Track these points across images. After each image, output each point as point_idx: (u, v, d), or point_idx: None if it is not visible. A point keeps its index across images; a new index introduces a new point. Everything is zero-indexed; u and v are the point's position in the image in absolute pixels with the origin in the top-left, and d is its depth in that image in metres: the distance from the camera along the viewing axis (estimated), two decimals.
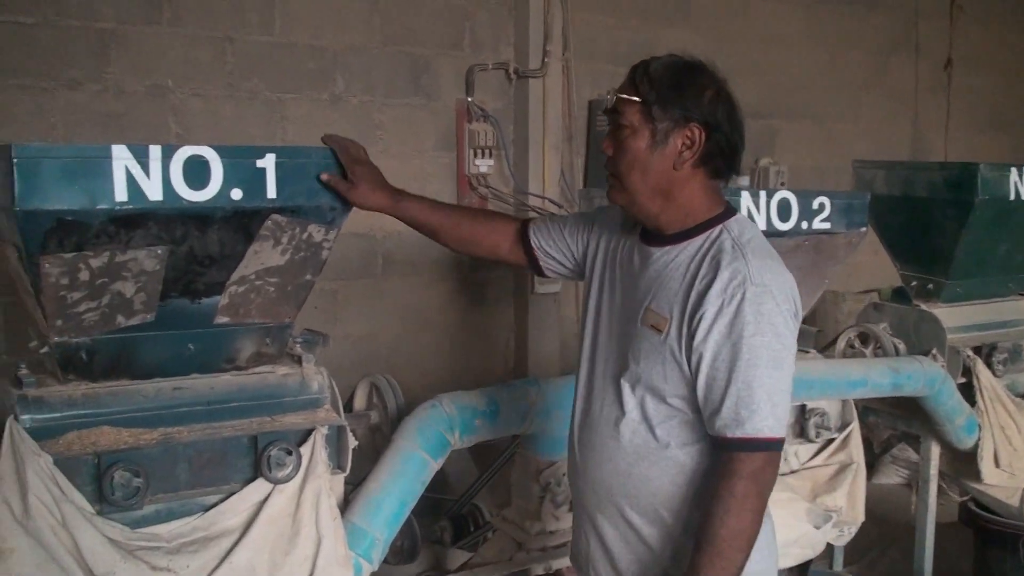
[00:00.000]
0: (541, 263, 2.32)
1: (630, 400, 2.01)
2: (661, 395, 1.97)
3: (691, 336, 1.90)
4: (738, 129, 2.01)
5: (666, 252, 2.01)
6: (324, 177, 2.18)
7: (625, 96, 1.96)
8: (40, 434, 2.05)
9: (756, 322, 1.86)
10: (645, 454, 2.01)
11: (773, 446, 1.89)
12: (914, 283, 3.92)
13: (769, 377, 1.86)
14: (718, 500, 1.87)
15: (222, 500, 2.21)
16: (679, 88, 1.95)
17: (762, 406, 1.86)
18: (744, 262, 1.89)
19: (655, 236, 2.04)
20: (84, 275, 2.02)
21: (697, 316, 1.89)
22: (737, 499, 1.85)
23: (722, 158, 1.99)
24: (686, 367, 1.93)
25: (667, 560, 2.02)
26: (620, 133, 1.98)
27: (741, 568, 1.87)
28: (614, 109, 1.99)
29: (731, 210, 2.04)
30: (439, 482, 3.89)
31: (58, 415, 2.10)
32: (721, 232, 1.97)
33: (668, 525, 2.02)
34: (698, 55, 2.02)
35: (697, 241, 1.98)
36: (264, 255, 2.20)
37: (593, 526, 2.13)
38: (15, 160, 1.86)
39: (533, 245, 2.31)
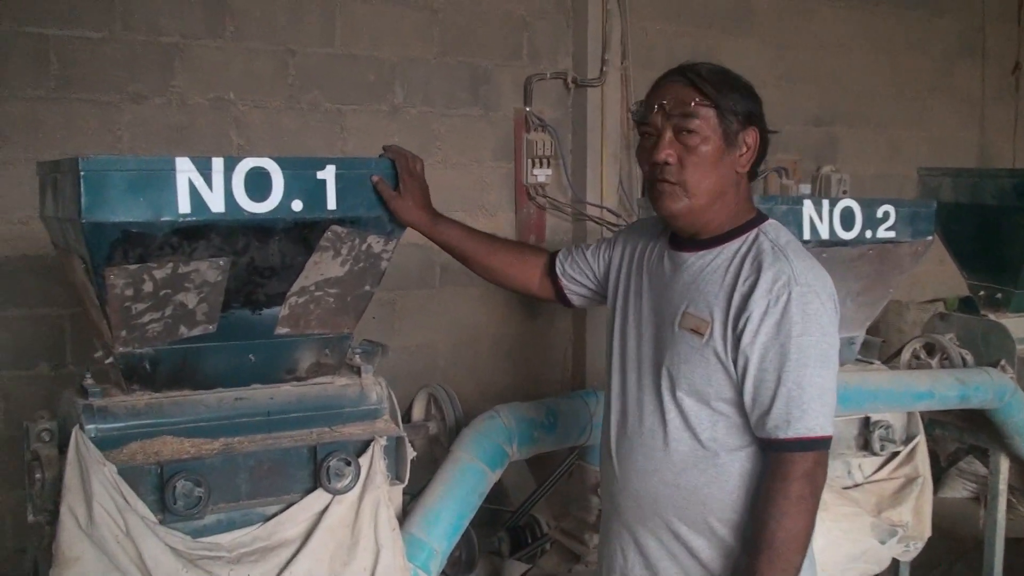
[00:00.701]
0: (566, 291, 2.35)
1: (671, 407, 1.99)
2: (705, 399, 1.96)
3: (737, 339, 1.90)
4: (769, 137, 2.06)
5: (700, 257, 2.02)
6: (375, 179, 2.20)
7: (699, 101, 1.94)
8: (104, 444, 2.08)
9: (803, 322, 1.86)
10: (693, 463, 1.98)
11: (824, 444, 1.89)
12: (982, 292, 3.84)
13: (818, 376, 1.87)
14: (773, 503, 1.86)
15: (282, 510, 2.23)
16: (738, 91, 1.98)
17: (812, 405, 1.86)
18: (787, 263, 1.91)
19: (687, 242, 2.05)
20: (148, 286, 2.05)
21: (743, 318, 1.89)
22: (792, 501, 1.85)
23: (760, 163, 2.06)
24: (732, 369, 1.93)
25: (719, 571, 1.99)
26: (688, 139, 1.95)
27: (799, 570, 1.87)
28: (686, 114, 1.95)
29: (763, 215, 2.07)
30: (497, 493, 3.88)
31: (122, 425, 2.13)
32: (758, 236, 1.99)
33: (718, 535, 1.99)
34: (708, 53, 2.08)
35: (734, 245, 1.99)
36: (324, 266, 2.21)
37: (634, 541, 2.10)
38: (82, 173, 1.89)
39: (558, 272, 2.34)
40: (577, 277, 2.33)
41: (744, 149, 1.98)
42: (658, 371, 2.02)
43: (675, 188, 1.98)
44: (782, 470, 1.87)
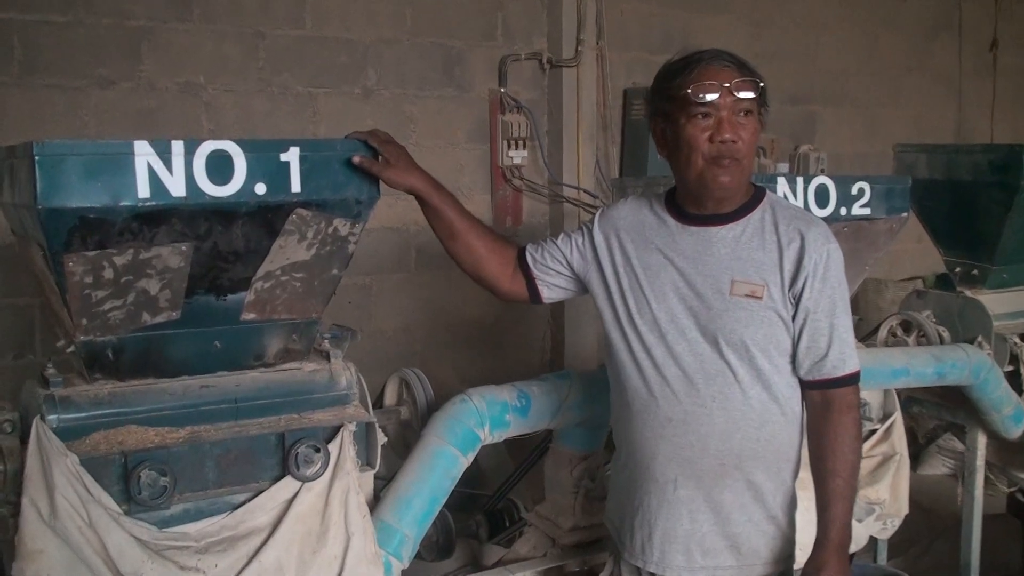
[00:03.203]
0: (538, 282, 2.38)
1: (741, 367, 2.14)
2: (768, 355, 2.14)
3: (797, 296, 2.12)
4: None
5: (730, 229, 2.18)
6: (356, 159, 2.14)
7: (751, 83, 2.10)
8: (67, 434, 2.03)
9: (838, 273, 2.14)
10: (769, 414, 2.17)
11: (859, 375, 2.19)
12: (958, 269, 3.83)
13: (850, 320, 2.17)
14: (846, 431, 2.13)
15: (250, 499, 2.19)
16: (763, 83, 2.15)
17: (851, 344, 2.16)
18: (818, 225, 2.17)
19: (705, 217, 2.19)
20: (108, 273, 2.00)
21: (800, 277, 2.11)
22: (856, 428, 2.15)
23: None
24: (790, 324, 2.14)
25: (777, 509, 2.22)
26: (745, 117, 2.11)
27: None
28: (744, 97, 2.10)
29: (761, 187, 2.26)
30: (474, 477, 3.87)
31: (84, 414, 2.09)
32: (774, 204, 2.21)
33: (782, 476, 2.22)
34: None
35: (756, 215, 2.18)
36: (289, 250, 2.17)
37: (708, 501, 2.20)
38: (36, 158, 1.84)
39: (530, 264, 2.36)
40: (552, 266, 2.35)
41: (761, 126, 2.18)
42: (714, 337, 2.15)
43: (734, 163, 2.12)
44: (843, 403, 2.14)
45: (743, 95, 2.10)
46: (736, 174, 2.13)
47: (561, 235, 2.39)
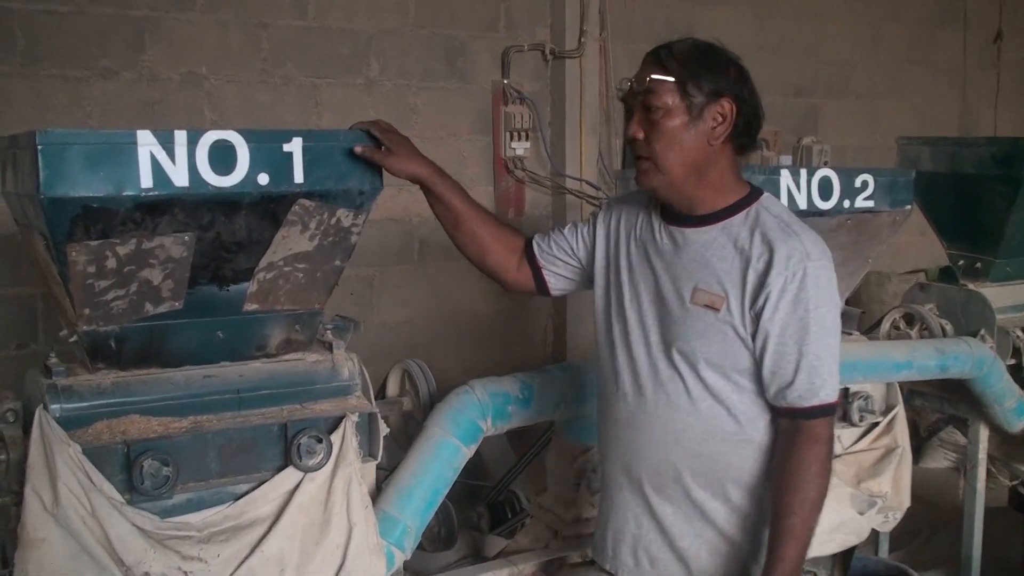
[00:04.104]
0: (546, 274, 2.31)
1: (692, 379, 2.05)
2: (723, 371, 2.03)
3: (757, 315, 1.97)
4: (758, 104, 2.06)
5: (703, 232, 2.05)
6: (358, 149, 2.13)
7: (659, 76, 1.98)
8: (69, 423, 2.04)
9: (818, 295, 1.95)
10: (715, 432, 2.05)
11: (836, 409, 2.03)
12: (961, 262, 3.82)
13: (831, 345, 1.99)
14: (808, 465, 1.96)
15: (252, 489, 2.19)
16: (707, 65, 1.99)
17: (828, 373, 1.98)
18: (798, 239, 1.97)
19: (685, 218, 2.07)
20: (111, 263, 2.00)
21: (762, 295, 1.96)
22: (822, 462, 1.97)
23: (747, 133, 2.05)
24: (749, 343, 2.00)
25: (731, 533, 2.09)
26: (653, 115, 1.99)
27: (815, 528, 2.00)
28: (646, 91, 2.00)
29: (758, 189, 2.10)
30: (477, 468, 3.88)
31: (87, 404, 2.09)
32: (759, 211, 2.03)
33: (732, 500, 2.08)
34: (691, 31, 2.09)
35: (736, 220, 2.03)
36: (292, 241, 2.17)
37: (650, 509, 2.15)
38: (39, 147, 1.84)
39: (536, 255, 2.31)
40: (559, 256, 2.30)
41: (716, 122, 1.99)
42: (671, 346, 2.06)
43: (648, 164, 2.03)
44: (810, 435, 1.97)
45: (644, 88, 1.99)
46: (654, 176, 2.03)
47: (569, 225, 2.34)
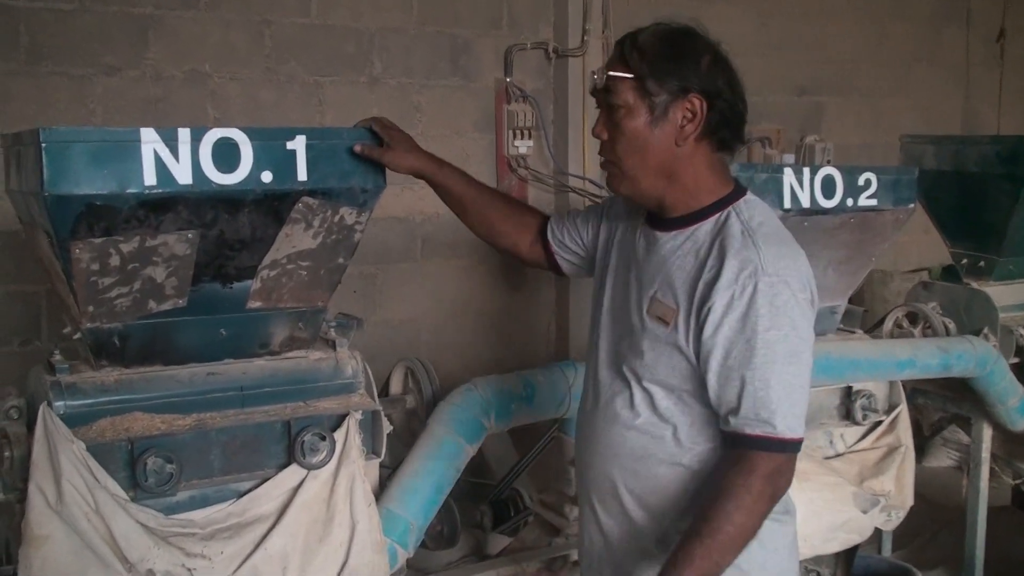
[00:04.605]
0: (557, 258, 2.24)
1: (639, 394, 1.91)
2: (670, 389, 1.88)
3: (699, 329, 1.79)
4: (740, 95, 1.88)
5: (672, 238, 1.89)
6: (358, 148, 2.13)
7: (616, 73, 1.83)
8: (73, 420, 2.04)
9: (771, 315, 1.74)
10: (654, 451, 1.91)
11: (792, 448, 1.78)
12: (964, 261, 3.82)
13: (787, 373, 1.75)
14: (732, 495, 1.74)
15: (256, 486, 2.20)
16: (673, 57, 1.82)
17: (781, 405, 1.75)
18: (755, 250, 1.77)
19: (661, 221, 1.92)
20: (115, 260, 2.01)
21: (705, 308, 1.77)
22: (753, 497, 1.74)
23: (727, 128, 1.87)
24: (694, 360, 1.82)
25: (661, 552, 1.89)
26: (615, 114, 1.85)
27: (727, 565, 1.76)
28: (605, 89, 1.85)
29: (740, 190, 1.91)
30: (480, 466, 3.88)
31: (91, 401, 2.10)
32: (729, 216, 1.85)
33: (669, 524, 1.92)
34: (688, 21, 1.92)
35: (706, 226, 1.86)
36: (295, 238, 2.17)
37: (594, 515, 2.06)
38: (43, 144, 1.85)
39: (549, 239, 2.23)
40: (569, 244, 2.21)
41: (684, 120, 1.82)
42: (625, 357, 1.93)
43: (613, 167, 1.90)
44: (748, 465, 1.75)
45: (603, 86, 1.85)
46: (619, 181, 1.90)
47: (586, 210, 2.24)
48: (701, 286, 1.79)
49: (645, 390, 1.90)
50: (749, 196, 1.90)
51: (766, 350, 1.74)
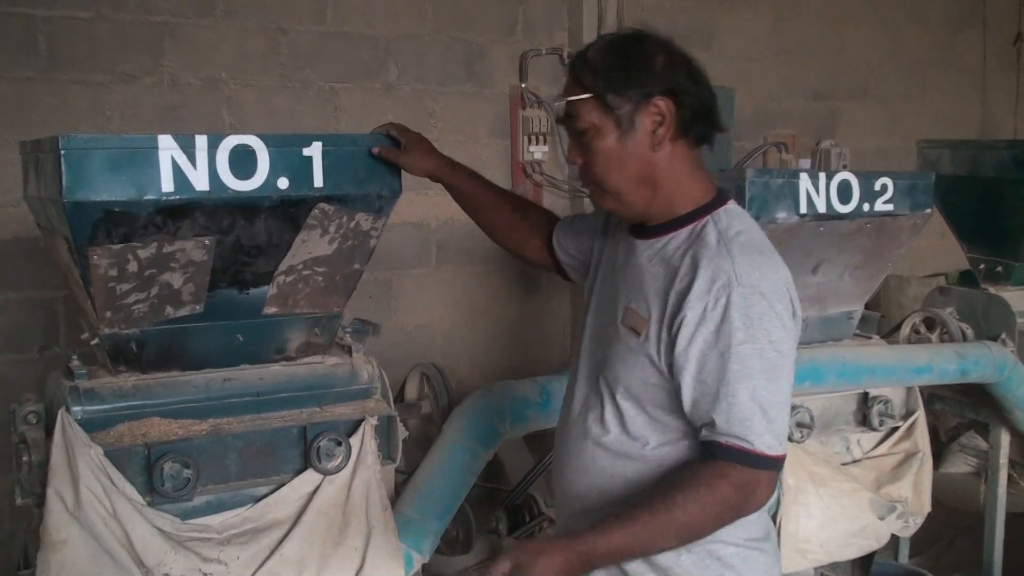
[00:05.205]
0: (564, 265, 2.18)
1: (610, 409, 1.83)
2: (641, 404, 1.79)
3: (672, 341, 1.71)
4: (705, 85, 1.80)
5: (650, 246, 1.83)
6: (376, 150, 2.16)
7: (574, 97, 1.77)
8: (91, 425, 2.06)
9: (746, 328, 1.66)
10: (622, 471, 1.82)
11: (769, 464, 1.68)
12: (982, 266, 3.81)
13: (764, 389, 1.67)
14: (695, 488, 1.67)
15: (272, 491, 2.21)
16: (626, 66, 1.75)
17: (757, 422, 1.66)
18: (729, 260, 1.70)
19: (643, 228, 1.86)
20: (132, 266, 2.02)
21: (677, 320, 1.70)
22: (715, 498, 1.66)
23: (701, 121, 1.80)
24: (666, 372, 1.74)
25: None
26: (583, 138, 1.79)
27: (658, 551, 1.72)
28: (568, 115, 1.80)
29: (722, 197, 1.84)
30: (495, 472, 3.87)
31: (109, 406, 2.11)
32: (707, 224, 1.77)
33: (648, 558, 1.80)
34: (638, 24, 1.84)
35: (683, 233, 1.79)
36: (312, 244, 2.18)
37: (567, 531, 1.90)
38: (62, 152, 1.87)
39: (555, 245, 2.17)
40: (572, 251, 2.16)
41: (655, 125, 1.75)
42: (600, 368, 1.86)
43: (596, 188, 1.83)
44: (718, 471, 1.67)
45: (565, 112, 1.79)
46: (606, 200, 1.83)
47: (591, 215, 2.16)
48: (673, 296, 1.72)
49: (617, 405, 1.81)
50: (731, 205, 1.83)
51: (740, 364, 1.66)
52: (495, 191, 2.27)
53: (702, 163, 1.86)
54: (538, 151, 4.77)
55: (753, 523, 1.80)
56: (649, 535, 1.67)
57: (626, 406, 1.80)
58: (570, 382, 2.00)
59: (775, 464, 1.69)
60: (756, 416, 1.66)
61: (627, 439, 1.81)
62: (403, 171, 2.22)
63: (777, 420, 1.69)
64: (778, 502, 2.83)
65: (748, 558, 1.81)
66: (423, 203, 4.40)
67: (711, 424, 1.69)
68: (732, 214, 1.80)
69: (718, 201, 1.82)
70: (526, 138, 4.75)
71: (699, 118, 1.79)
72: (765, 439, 1.66)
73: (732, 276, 1.68)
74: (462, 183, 2.24)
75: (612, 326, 1.85)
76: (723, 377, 1.67)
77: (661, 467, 1.80)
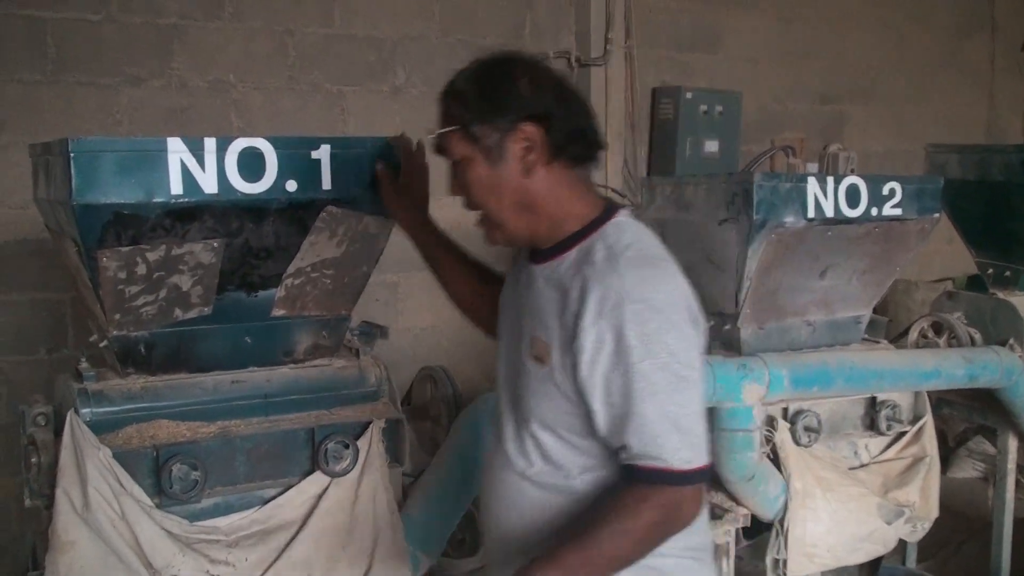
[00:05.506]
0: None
1: (529, 441, 1.75)
2: (559, 434, 1.72)
3: (574, 367, 1.64)
4: (575, 105, 1.74)
5: (543, 270, 1.75)
6: (379, 166, 2.12)
7: (443, 130, 1.73)
8: (100, 427, 2.06)
9: (644, 345, 1.59)
10: (552, 503, 1.74)
11: (690, 479, 1.62)
12: (990, 271, 3.79)
13: (672, 403, 1.61)
14: (619, 516, 1.61)
15: (280, 493, 2.22)
16: (488, 93, 1.70)
17: (669, 438, 1.60)
18: (617, 276, 1.62)
19: (538, 253, 1.79)
20: (141, 269, 2.03)
21: (575, 346, 1.63)
22: (640, 524, 1.61)
23: (576, 143, 1.74)
24: (574, 398, 1.67)
25: None
26: (458, 170, 1.74)
27: None
28: (440, 148, 1.75)
29: (612, 210, 1.76)
30: None
31: (117, 408, 2.12)
32: (595, 241, 1.70)
33: None
34: (514, 48, 1.79)
35: (572, 254, 1.71)
36: (320, 247, 2.19)
37: (497, 567, 1.85)
38: (72, 154, 1.88)
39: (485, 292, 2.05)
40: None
41: (523, 152, 1.69)
42: (516, 400, 1.79)
43: (483, 220, 1.77)
44: (639, 494, 1.61)
45: (438, 148, 1.75)
46: (495, 233, 1.76)
47: None
48: (569, 320, 1.65)
49: (535, 437, 1.74)
50: (620, 217, 1.75)
51: (644, 382, 1.60)
52: (462, 265, 2.11)
53: (586, 180, 1.79)
54: None
55: (692, 532, 1.72)
56: (585, 574, 1.61)
57: (544, 436, 1.73)
58: (495, 416, 1.92)
59: (696, 477, 1.64)
60: (668, 432, 1.61)
61: (552, 470, 1.74)
62: None
63: (692, 432, 1.64)
64: (785, 507, 2.82)
65: (685, 567, 1.76)
66: (430, 206, 4.40)
67: (625, 447, 1.63)
68: (621, 227, 1.73)
69: (607, 215, 1.75)
70: None
71: (574, 140, 1.73)
72: (681, 454, 1.61)
73: (621, 294, 1.61)
74: (428, 250, 2.11)
75: (520, 358, 1.77)
76: (629, 398, 1.60)
77: (589, 497, 1.73)
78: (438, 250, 2.11)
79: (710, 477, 1.67)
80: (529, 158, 1.69)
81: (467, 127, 1.69)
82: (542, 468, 1.74)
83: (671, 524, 1.64)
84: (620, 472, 1.67)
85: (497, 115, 1.68)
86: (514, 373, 1.80)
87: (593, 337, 1.61)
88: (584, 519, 1.68)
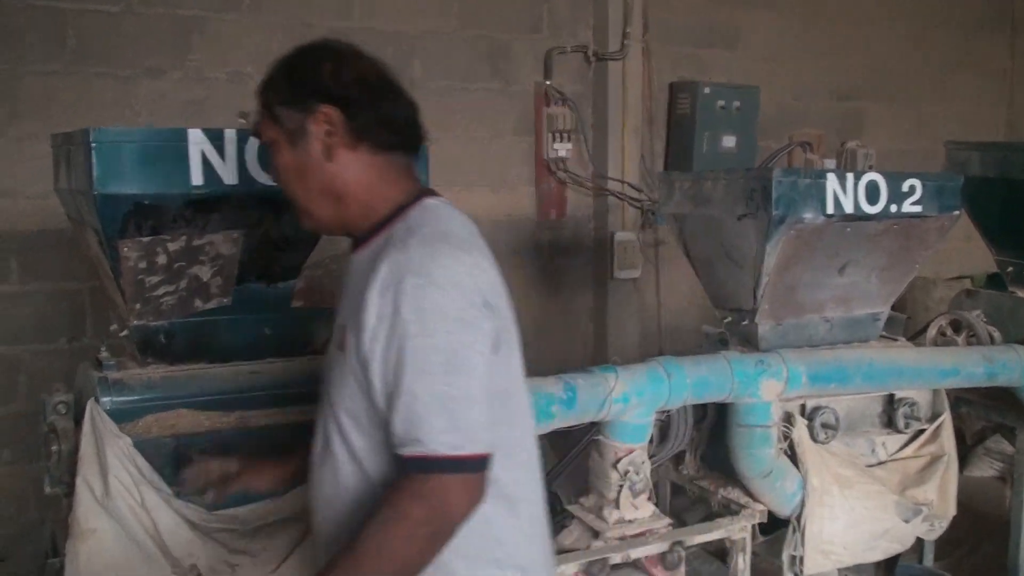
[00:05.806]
0: None
1: (335, 434, 1.70)
2: (363, 429, 1.65)
3: (358, 345, 1.60)
4: (385, 91, 1.73)
5: (357, 257, 1.73)
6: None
7: (246, 111, 1.77)
8: (120, 416, 2.07)
9: (419, 320, 1.54)
10: (359, 497, 1.67)
11: (458, 467, 1.54)
12: (1010, 269, 3.77)
13: (444, 384, 1.54)
14: (385, 516, 1.53)
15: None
16: (290, 76, 1.71)
17: (434, 420, 1.53)
18: (404, 252, 1.59)
19: (357, 242, 1.76)
20: (162, 259, 2.03)
21: (360, 320, 1.58)
22: (409, 523, 1.51)
23: (384, 128, 1.71)
24: (363, 382, 1.61)
25: None
26: (268, 154, 1.74)
27: None
28: (256, 134, 1.76)
29: (422, 194, 1.74)
30: None
31: (137, 398, 2.12)
32: (400, 223, 1.68)
33: None
34: (326, 34, 1.80)
35: (379, 239, 1.68)
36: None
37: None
38: (93, 144, 1.89)
39: None
40: None
41: (324, 134, 1.67)
42: (327, 392, 1.75)
43: (294, 208, 1.76)
44: (409, 489, 1.53)
45: (254, 132, 1.76)
46: (304, 218, 1.75)
47: None
48: (360, 300, 1.61)
49: (339, 424, 1.69)
50: (428, 201, 1.73)
51: (415, 359, 1.54)
52: (296, 461, 1.98)
53: (401, 166, 1.76)
54: (562, 148, 4.78)
55: (500, 542, 1.69)
56: None
57: (346, 424, 1.68)
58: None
59: (465, 465, 1.55)
60: (434, 415, 1.54)
61: (351, 459, 1.68)
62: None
63: (463, 417, 1.55)
64: (802, 503, 2.81)
65: None
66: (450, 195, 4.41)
67: (392, 429, 1.56)
68: (427, 208, 1.71)
69: (417, 199, 1.73)
70: (550, 135, 4.76)
71: (380, 124, 1.71)
72: (445, 438, 1.53)
73: (404, 266, 1.57)
74: (290, 480, 2.04)
75: (332, 349, 1.75)
76: (401, 376, 1.55)
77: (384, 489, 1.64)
78: (289, 471, 2.03)
79: (488, 469, 1.57)
80: (330, 140, 1.67)
81: (271, 109, 1.70)
82: (344, 458, 1.68)
83: (439, 520, 1.53)
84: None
85: (298, 97, 1.67)
86: (328, 366, 1.76)
87: (375, 311, 1.57)
88: (358, 531, 1.57)
